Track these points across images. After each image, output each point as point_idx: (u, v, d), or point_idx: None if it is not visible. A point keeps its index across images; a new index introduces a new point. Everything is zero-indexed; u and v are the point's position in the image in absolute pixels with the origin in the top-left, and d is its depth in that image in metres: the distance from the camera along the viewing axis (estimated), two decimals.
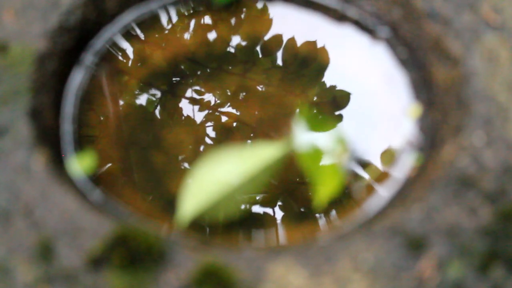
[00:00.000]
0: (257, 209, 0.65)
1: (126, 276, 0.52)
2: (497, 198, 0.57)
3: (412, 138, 0.68)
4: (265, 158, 0.60)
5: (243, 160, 0.60)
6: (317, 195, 0.62)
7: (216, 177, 0.59)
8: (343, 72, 0.75)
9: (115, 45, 0.76)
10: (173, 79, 0.75)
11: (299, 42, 0.77)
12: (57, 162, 0.62)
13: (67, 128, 0.68)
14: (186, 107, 0.73)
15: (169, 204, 0.64)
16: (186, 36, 0.78)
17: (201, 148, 0.69)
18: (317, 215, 0.64)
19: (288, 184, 0.67)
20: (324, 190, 0.61)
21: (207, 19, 0.79)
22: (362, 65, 0.75)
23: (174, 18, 0.79)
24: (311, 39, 0.77)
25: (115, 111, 0.72)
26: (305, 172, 0.64)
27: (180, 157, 0.68)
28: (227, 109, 0.72)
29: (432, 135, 0.66)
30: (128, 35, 0.77)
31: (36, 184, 0.57)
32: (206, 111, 0.72)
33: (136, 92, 0.73)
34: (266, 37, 0.78)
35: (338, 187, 0.62)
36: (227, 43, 0.77)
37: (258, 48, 0.77)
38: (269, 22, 0.79)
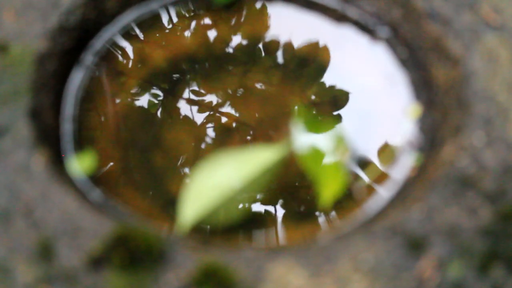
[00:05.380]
0: (257, 209, 0.65)
1: (126, 276, 0.52)
2: (497, 198, 0.57)
3: (412, 138, 0.68)
4: (264, 161, 0.60)
5: (242, 164, 0.60)
6: (322, 196, 0.61)
7: (215, 182, 0.59)
8: (343, 72, 0.75)
9: (115, 45, 0.76)
10: (173, 79, 0.75)
11: (299, 42, 0.77)
12: (57, 162, 0.62)
13: (67, 128, 0.68)
14: (186, 107, 0.73)
15: (169, 204, 0.64)
16: (186, 36, 0.78)
17: (201, 148, 0.69)
18: (317, 215, 0.64)
19: (288, 184, 0.67)
20: (328, 190, 0.61)
21: (207, 19, 0.79)
22: (362, 65, 0.75)
23: (174, 18, 0.79)
24: (311, 39, 0.77)
25: (115, 111, 0.71)
26: (307, 173, 0.64)
27: (180, 157, 0.68)
28: (227, 109, 0.72)
29: (432, 135, 0.66)
30: (128, 35, 0.77)
31: (36, 184, 0.57)
32: (206, 111, 0.72)
33: (136, 92, 0.73)
34: (266, 37, 0.78)
35: (341, 186, 0.62)
36: (227, 43, 0.77)
37: (258, 48, 0.77)
38: (269, 22, 0.79)
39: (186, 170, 0.67)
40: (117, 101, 0.72)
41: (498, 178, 0.58)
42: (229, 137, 0.70)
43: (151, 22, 0.78)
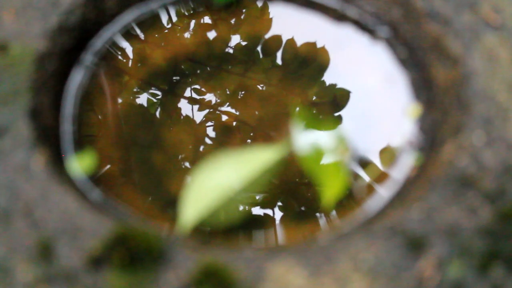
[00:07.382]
0: (257, 209, 0.65)
1: (126, 276, 0.52)
2: (497, 198, 0.57)
3: (412, 138, 0.68)
4: (264, 161, 0.60)
5: (242, 164, 0.60)
6: (324, 196, 0.61)
7: (215, 182, 0.59)
8: (343, 72, 0.75)
9: (115, 45, 0.76)
10: (173, 78, 0.75)
11: (299, 42, 0.77)
12: (57, 162, 0.62)
13: (67, 128, 0.68)
14: (186, 107, 0.73)
15: (169, 204, 0.64)
16: (186, 35, 0.78)
17: (201, 147, 0.69)
18: (317, 214, 0.64)
19: (288, 185, 0.67)
20: (330, 190, 0.61)
21: (207, 19, 0.79)
22: (362, 65, 0.75)
23: (174, 18, 0.79)
24: (311, 39, 0.77)
25: (115, 111, 0.72)
26: (308, 174, 0.64)
27: (180, 157, 0.68)
28: (227, 108, 0.72)
29: (432, 135, 0.66)
30: (128, 35, 0.77)
31: (36, 184, 0.57)
32: (206, 111, 0.72)
33: (136, 92, 0.73)
34: (266, 37, 0.78)
35: (343, 186, 0.62)
36: (227, 43, 0.77)
37: (258, 48, 0.77)
38: (269, 22, 0.79)
39: (186, 170, 0.67)
40: (117, 100, 0.72)
41: (498, 178, 0.58)
42: (229, 137, 0.70)
43: (151, 22, 0.78)
